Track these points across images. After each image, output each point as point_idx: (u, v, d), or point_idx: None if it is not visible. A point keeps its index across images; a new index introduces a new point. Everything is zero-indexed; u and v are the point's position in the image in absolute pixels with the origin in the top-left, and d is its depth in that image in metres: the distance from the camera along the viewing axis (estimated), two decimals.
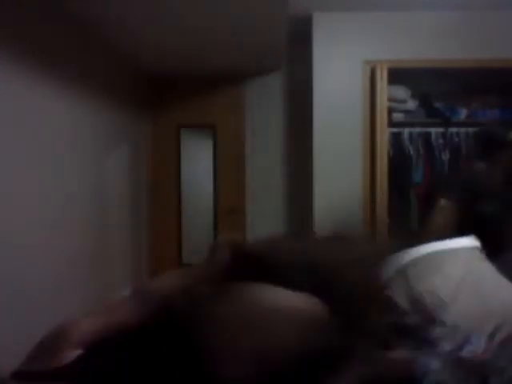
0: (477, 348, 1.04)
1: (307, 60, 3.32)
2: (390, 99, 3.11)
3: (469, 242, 1.27)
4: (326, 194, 3.19)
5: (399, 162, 3.19)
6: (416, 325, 1.10)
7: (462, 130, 3.21)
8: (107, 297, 3.10)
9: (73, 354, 0.67)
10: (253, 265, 0.61)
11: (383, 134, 3.04)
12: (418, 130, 3.24)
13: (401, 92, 3.24)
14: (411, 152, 3.20)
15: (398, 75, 3.07)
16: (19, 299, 2.03)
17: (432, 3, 3.02)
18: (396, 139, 3.24)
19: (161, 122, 4.10)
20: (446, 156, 3.20)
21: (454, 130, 3.23)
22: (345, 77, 3.18)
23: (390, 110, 3.15)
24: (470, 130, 3.19)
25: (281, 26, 2.88)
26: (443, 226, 1.87)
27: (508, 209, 1.94)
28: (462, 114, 3.29)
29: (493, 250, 1.28)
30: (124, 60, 3.42)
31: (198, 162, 4.23)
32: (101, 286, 2.97)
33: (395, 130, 3.22)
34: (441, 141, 3.22)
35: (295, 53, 3.79)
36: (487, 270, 1.23)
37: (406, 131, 3.24)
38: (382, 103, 3.02)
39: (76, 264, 2.60)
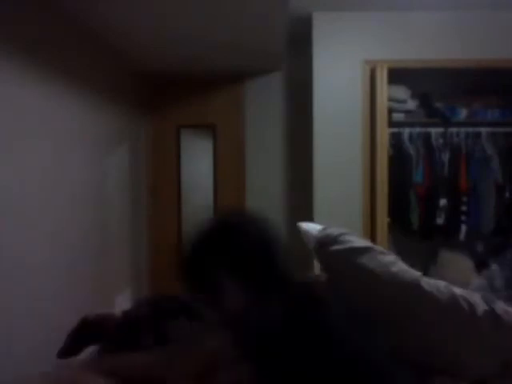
0: None
1: (307, 60, 3.32)
2: (390, 99, 3.11)
3: None
4: (326, 194, 3.19)
5: (399, 162, 3.19)
6: None
7: (462, 129, 3.22)
8: (107, 297, 3.11)
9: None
10: None
11: (383, 134, 3.04)
12: (417, 130, 3.24)
13: (401, 92, 3.24)
14: (411, 152, 3.21)
15: (397, 75, 3.07)
16: (19, 299, 2.04)
17: (432, 3, 3.02)
18: (396, 139, 3.24)
19: (161, 122, 4.10)
20: (445, 156, 3.20)
21: (454, 130, 3.23)
22: (345, 77, 3.18)
23: (390, 110, 3.15)
24: (470, 130, 3.20)
25: (281, 26, 2.88)
26: None
27: None
28: (462, 114, 3.29)
29: None
30: (124, 60, 3.42)
31: (197, 161, 4.22)
32: (101, 286, 2.98)
33: (395, 129, 3.22)
34: (441, 141, 3.23)
35: (295, 53, 3.79)
36: None
37: (406, 131, 3.24)
38: (382, 103, 3.03)
39: (76, 264, 2.60)
